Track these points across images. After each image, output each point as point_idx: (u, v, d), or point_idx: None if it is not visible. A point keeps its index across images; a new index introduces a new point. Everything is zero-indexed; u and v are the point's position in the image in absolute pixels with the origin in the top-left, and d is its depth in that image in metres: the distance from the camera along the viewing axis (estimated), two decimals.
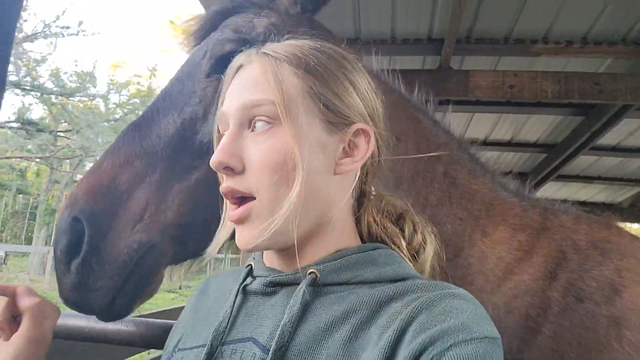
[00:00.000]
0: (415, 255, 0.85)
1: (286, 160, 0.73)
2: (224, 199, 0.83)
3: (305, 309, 0.73)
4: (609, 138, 4.93)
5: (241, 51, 1.02)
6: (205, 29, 1.39)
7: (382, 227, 0.86)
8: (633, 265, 1.29)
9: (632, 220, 7.64)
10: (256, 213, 0.74)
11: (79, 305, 1.10)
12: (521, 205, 1.41)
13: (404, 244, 0.85)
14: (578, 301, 1.20)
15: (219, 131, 0.86)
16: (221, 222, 0.87)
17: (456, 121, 4.85)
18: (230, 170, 0.75)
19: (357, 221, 0.86)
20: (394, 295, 0.70)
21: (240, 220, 0.76)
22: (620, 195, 7.07)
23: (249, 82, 0.80)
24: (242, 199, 0.76)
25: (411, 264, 0.83)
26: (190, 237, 1.18)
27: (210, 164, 0.76)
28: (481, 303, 0.67)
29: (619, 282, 1.24)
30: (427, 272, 0.85)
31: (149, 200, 1.15)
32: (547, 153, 5.63)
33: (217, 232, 0.88)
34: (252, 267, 0.87)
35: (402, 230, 0.87)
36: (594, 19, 3.32)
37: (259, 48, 0.85)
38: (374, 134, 0.83)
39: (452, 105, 4.52)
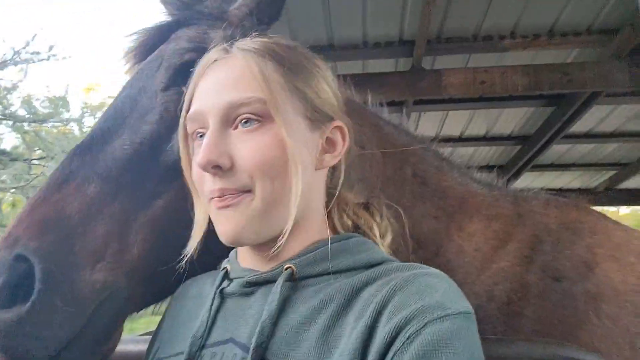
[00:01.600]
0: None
1: (279, 156, 0.75)
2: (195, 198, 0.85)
3: (284, 305, 0.73)
4: (581, 125, 5.05)
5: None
6: (151, 43, 1.28)
7: (354, 216, 0.89)
8: (603, 241, 1.34)
9: (609, 204, 7.84)
10: (248, 204, 0.75)
11: (11, 354, 0.88)
12: (492, 195, 1.43)
13: (376, 230, 0.87)
14: (555, 281, 1.24)
15: (185, 132, 0.84)
16: (195, 223, 0.86)
17: (431, 120, 4.93)
18: (218, 168, 0.74)
19: (329, 214, 0.88)
20: (369, 280, 0.72)
21: (230, 207, 0.75)
22: (596, 180, 7.24)
23: (229, 78, 0.78)
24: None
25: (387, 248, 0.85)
26: (162, 275, 1.01)
27: (198, 163, 0.74)
28: (464, 294, 0.68)
29: (591, 259, 1.28)
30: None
31: (109, 234, 0.99)
32: (521, 145, 5.74)
33: (192, 231, 0.87)
34: (227, 270, 0.87)
35: (372, 217, 0.90)
36: (559, 10, 3.42)
37: (232, 44, 0.84)
38: (348, 128, 0.87)
39: (427, 105, 4.63)
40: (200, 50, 1.10)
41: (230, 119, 0.77)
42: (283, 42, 0.86)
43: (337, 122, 0.85)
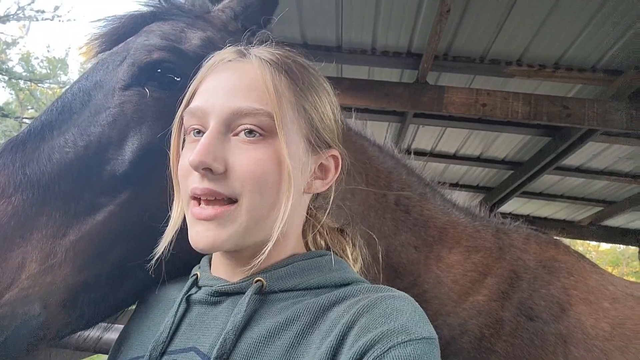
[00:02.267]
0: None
1: (275, 173, 0.74)
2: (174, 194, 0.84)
3: (249, 317, 0.73)
4: (574, 159, 5.12)
5: (172, 62, 1.00)
6: (120, 33, 1.14)
7: (329, 237, 0.89)
8: (579, 283, 1.35)
9: (591, 238, 7.93)
10: (232, 216, 0.73)
11: None
12: (474, 226, 1.42)
13: (349, 253, 0.88)
14: (528, 320, 1.25)
15: (181, 124, 0.82)
16: (171, 219, 0.84)
17: (429, 133, 4.95)
18: (208, 171, 0.72)
19: (303, 232, 0.89)
20: (337, 300, 0.72)
21: (211, 218, 0.73)
22: (581, 214, 7.33)
23: (241, 84, 0.76)
24: (210, 201, 0.74)
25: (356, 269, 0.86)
26: (90, 298, 0.90)
27: (190, 162, 0.72)
28: (437, 326, 0.69)
29: (565, 300, 1.29)
30: None
31: (27, 255, 0.84)
32: (513, 170, 5.80)
33: (166, 229, 0.85)
34: (197, 276, 0.86)
35: (345, 241, 0.91)
36: (568, 45, 3.45)
37: (248, 48, 0.83)
38: (342, 159, 0.87)
39: (426, 119, 4.65)
40: (172, 50, 1.02)
41: (232, 125, 0.75)
42: (299, 59, 0.85)
43: (334, 151, 0.85)
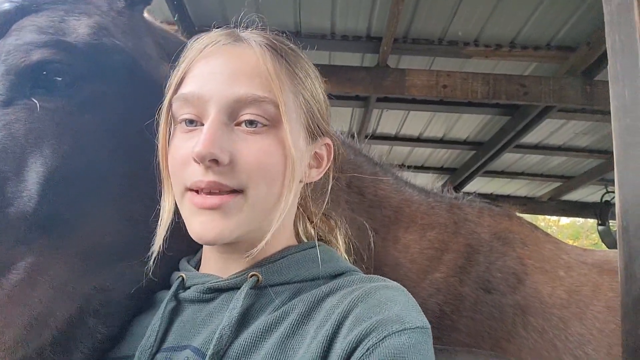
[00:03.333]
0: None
1: (279, 163, 0.72)
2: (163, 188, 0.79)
3: (246, 313, 0.72)
4: (532, 137, 5.24)
5: (59, 60, 0.84)
6: None
7: (318, 225, 0.89)
8: (534, 253, 1.37)
9: (551, 213, 8.20)
10: (238, 206, 0.70)
11: None
12: (428, 203, 1.41)
13: (340, 239, 0.89)
14: (486, 293, 1.25)
15: (168, 113, 0.76)
16: (162, 217, 0.79)
17: (392, 118, 4.98)
18: (214, 162, 0.68)
19: (294, 222, 0.87)
20: (331, 290, 0.72)
21: (217, 207, 0.70)
22: (541, 189, 7.54)
23: (242, 69, 0.72)
24: (212, 193, 0.71)
25: (349, 260, 0.86)
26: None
27: (196, 154, 0.67)
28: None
29: (521, 271, 1.31)
30: None
31: None
32: (475, 150, 5.91)
33: (158, 228, 0.80)
34: (183, 277, 0.82)
35: (333, 227, 0.91)
36: (522, 24, 3.51)
37: (241, 31, 0.79)
38: (334, 146, 0.86)
39: (389, 103, 4.68)
40: (56, 45, 0.84)
41: (235, 113, 0.71)
42: (290, 44, 0.82)
43: (328, 140, 0.84)
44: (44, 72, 0.83)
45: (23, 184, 0.76)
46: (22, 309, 0.72)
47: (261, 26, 0.82)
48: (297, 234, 0.87)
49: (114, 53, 0.92)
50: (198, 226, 0.71)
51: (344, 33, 3.80)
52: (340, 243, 0.88)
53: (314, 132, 0.80)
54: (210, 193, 0.70)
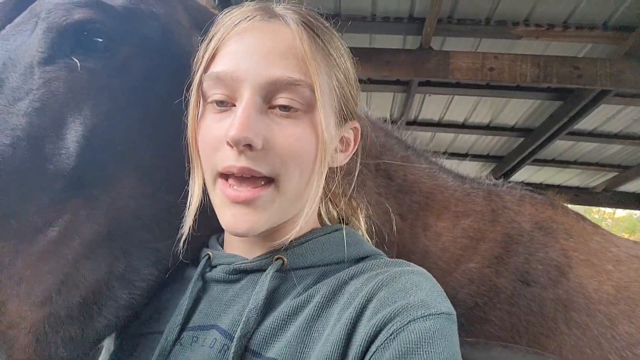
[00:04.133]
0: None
1: (312, 149, 0.70)
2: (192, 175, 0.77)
3: (271, 296, 0.71)
4: (586, 123, 4.97)
5: (100, 21, 0.82)
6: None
7: (341, 208, 0.87)
8: (579, 244, 1.28)
9: (605, 205, 7.79)
10: (270, 198, 0.69)
11: None
12: (463, 189, 1.34)
13: (362, 222, 0.87)
14: (525, 285, 1.18)
15: (199, 93, 0.74)
16: (192, 198, 0.78)
17: (436, 103, 4.84)
18: (248, 147, 0.66)
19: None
20: (355, 273, 0.71)
21: (249, 203, 0.69)
22: (595, 180, 7.17)
23: (278, 49, 0.69)
24: (244, 178, 0.69)
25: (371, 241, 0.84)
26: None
27: (231, 138, 0.65)
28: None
29: (565, 263, 1.22)
30: None
31: None
32: (524, 137, 5.66)
33: (186, 210, 0.79)
34: (210, 256, 0.82)
35: (356, 209, 0.89)
36: (576, 2, 3.30)
37: (274, 6, 0.75)
38: (361, 129, 0.83)
39: (432, 87, 4.53)
40: (97, 6, 0.83)
41: (270, 96, 0.68)
42: (324, 21, 0.78)
43: (356, 123, 0.82)
44: (85, 32, 0.83)
45: (62, 142, 0.78)
46: (54, 265, 0.73)
47: (296, 2, 0.79)
48: (319, 216, 0.85)
49: (149, 19, 0.92)
50: (230, 218, 0.70)
51: (385, 14, 3.69)
52: (362, 224, 0.87)
53: (344, 116, 0.78)
54: (240, 180, 0.69)
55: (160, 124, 0.87)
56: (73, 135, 0.78)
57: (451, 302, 0.67)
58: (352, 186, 0.85)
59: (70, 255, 0.75)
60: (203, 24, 0.83)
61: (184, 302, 0.77)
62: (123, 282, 0.81)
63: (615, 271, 1.25)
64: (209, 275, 0.80)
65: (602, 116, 4.85)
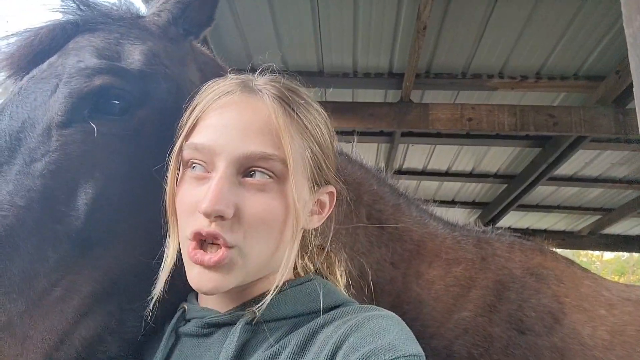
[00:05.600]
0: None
1: (283, 217, 0.73)
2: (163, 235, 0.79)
3: (242, 348, 0.71)
4: (566, 168, 5.09)
5: (118, 86, 0.87)
6: (36, 49, 0.94)
7: (317, 259, 0.87)
8: (571, 290, 1.27)
9: (592, 248, 7.84)
10: (234, 262, 0.71)
11: None
12: (453, 237, 1.33)
13: (337, 272, 0.87)
14: (520, 334, 1.16)
15: (178, 158, 0.77)
16: (166, 258, 0.79)
17: (419, 152, 4.93)
18: (220, 218, 0.69)
19: None
20: (326, 322, 0.71)
21: (214, 268, 0.70)
22: (580, 223, 7.25)
23: (254, 125, 0.73)
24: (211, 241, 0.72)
25: (344, 290, 0.84)
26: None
27: (203, 210, 0.68)
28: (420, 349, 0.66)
29: (558, 309, 1.21)
30: None
31: None
32: (507, 183, 5.76)
33: (160, 270, 0.80)
34: (184, 309, 0.82)
35: (332, 260, 0.89)
36: (547, 55, 3.47)
37: (253, 80, 0.79)
38: (337, 190, 0.85)
39: (414, 137, 4.64)
40: (115, 72, 0.87)
41: (244, 167, 0.72)
42: (303, 93, 0.82)
43: (331, 188, 0.83)
44: (103, 97, 0.86)
45: (72, 204, 0.80)
46: (56, 323, 0.75)
47: (280, 68, 0.82)
48: (295, 269, 0.85)
49: (163, 81, 0.94)
50: (196, 277, 0.71)
51: (366, 70, 3.83)
52: (339, 277, 0.87)
53: (319, 182, 0.80)
54: (198, 245, 0.71)
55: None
56: (83, 197, 0.81)
57: (446, 354, 0.66)
58: (327, 247, 0.86)
59: (71, 314, 0.77)
60: (212, 77, 0.87)
61: (158, 357, 0.77)
62: (115, 336, 0.83)
63: (608, 315, 1.24)
64: (182, 329, 0.80)
65: (581, 161, 4.99)
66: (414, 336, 0.67)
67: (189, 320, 0.80)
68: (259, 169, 0.72)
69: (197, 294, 0.86)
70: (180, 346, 0.79)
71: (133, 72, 0.90)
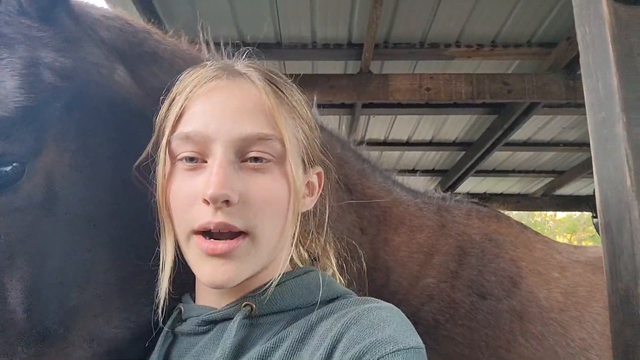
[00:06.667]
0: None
1: (284, 198, 0.72)
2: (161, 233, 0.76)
3: (240, 343, 0.70)
4: (520, 134, 5.26)
5: (3, 153, 0.71)
6: None
7: (313, 248, 0.86)
8: (526, 255, 1.30)
9: (545, 209, 8.20)
10: (246, 249, 0.69)
11: None
12: (416, 204, 1.34)
13: (333, 262, 0.87)
14: (481, 299, 1.18)
15: (167, 153, 0.73)
16: (162, 260, 0.76)
17: (380, 123, 4.96)
18: (225, 203, 0.67)
19: None
20: (324, 315, 0.71)
21: (226, 256, 0.68)
22: (534, 186, 7.56)
23: (245, 107, 0.71)
24: (220, 233, 0.69)
25: (342, 282, 0.84)
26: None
27: (209, 196, 0.65)
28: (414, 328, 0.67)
29: (516, 273, 1.24)
30: None
31: None
32: (465, 150, 5.91)
33: (161, 274, 0.77)
34: (180, 310, 0.80)
35: (326, 246, 0.88)
36: (502, 23, 3.52)
37: (235, 64, 0.77)
38: (325, 170, 0.85)
39: (375, 108, 4.67)
40: None
41: (242, 151, 0.70)
42: (283, 76, 0.81)
43: (319, 169, 0.83)
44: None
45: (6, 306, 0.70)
46: None
47: (235, 41, 0.81)
48: (291, 258, 0.84)
49: (55, 99, 0.76)
50: (210, 271, 0.69)
51: (325, 41, 3.79)
52: (333, 262, 0.87)
53: (309, 163, 0.80)
54: (219, 233, 0.68)
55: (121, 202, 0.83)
56: (14, 295, 0.72)
57: (414, 321, 0.68)
58: (325, 230, 0.85)
59: None
60: (122, 44, 0.81)
61: (154, 356, 0.75)
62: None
63: (561, 278, 1.28)
64: (178, 329, 0.78)
65: (534, 127, 5.16)
66: (413, 327, 0.67)
67: (184, 321, 0.79)
68: (258, 151, 0.70)
69: (192, 294, 0.84)
70: (178, 345, 0.77)
71: (15, 118, 0.70)
